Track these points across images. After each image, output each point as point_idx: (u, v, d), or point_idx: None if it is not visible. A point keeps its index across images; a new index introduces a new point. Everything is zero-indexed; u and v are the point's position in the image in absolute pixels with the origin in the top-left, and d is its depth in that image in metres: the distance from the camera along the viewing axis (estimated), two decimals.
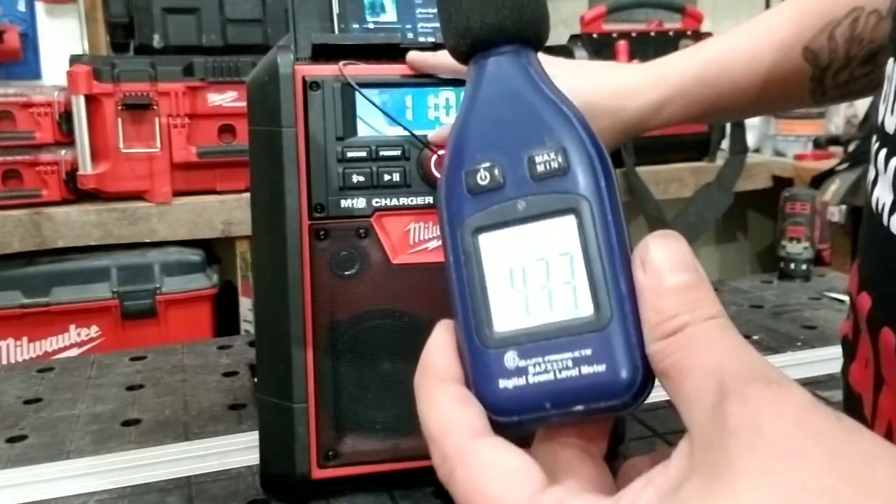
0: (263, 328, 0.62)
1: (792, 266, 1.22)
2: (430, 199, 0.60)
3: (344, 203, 0.59)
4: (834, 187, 1.86)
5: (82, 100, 1.61)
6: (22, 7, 1.91)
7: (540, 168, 0.29)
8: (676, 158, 2.09)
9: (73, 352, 1.67)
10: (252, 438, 0.68)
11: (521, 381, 0.28)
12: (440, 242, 0.32)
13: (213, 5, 1.79)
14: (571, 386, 0.27)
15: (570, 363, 0.28)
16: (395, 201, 0.60)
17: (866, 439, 0.22)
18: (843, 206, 1.83)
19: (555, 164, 0.29)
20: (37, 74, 1.96)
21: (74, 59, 1.69)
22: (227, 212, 1.72)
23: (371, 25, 0.64)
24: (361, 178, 0.59)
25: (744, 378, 0.23)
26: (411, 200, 0.60)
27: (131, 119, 1.66)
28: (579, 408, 0.27)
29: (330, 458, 0.61)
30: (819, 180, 1.93)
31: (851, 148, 2.04)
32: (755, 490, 0.21)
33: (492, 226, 0.30)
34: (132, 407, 0.81)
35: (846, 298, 1.10)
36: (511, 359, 0.28)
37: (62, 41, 1.94)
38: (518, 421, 0.28)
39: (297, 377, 0.59)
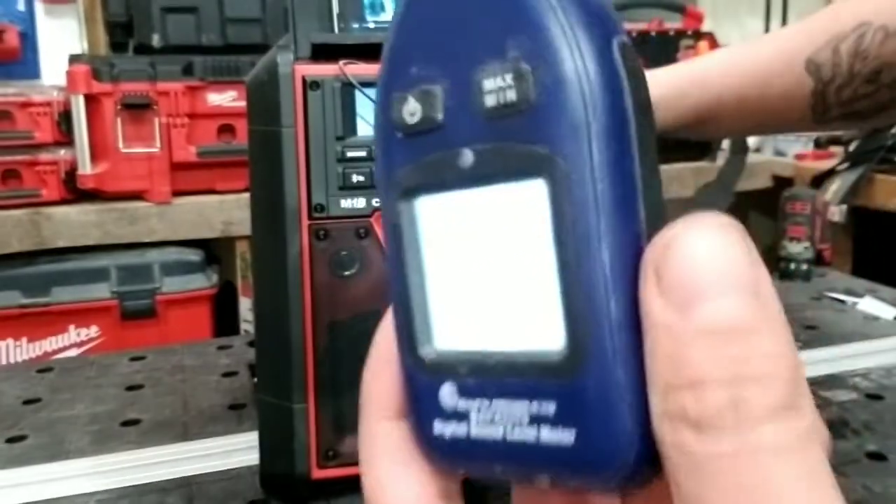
0: (263, 328, 0.62)
1: (792, 266, 1.22)
2: None
3: (344, 203, 0.59)
4: (835, 187, 1.86)
5: (81, 99, 1.61)
6: (21, 6, 1.91)
7: (491, 99, 0.18)
8: (677, 158, 2.09)
9: (73, 352, 1.67)
10: (252, 438, 0.68)
11: (460, 430, 0.19)
12: None
13: (213, 4, 1.79)
14: (528, 452, 0.18)
15: (524, 418, 0.18)
16: None
17: None
18: (844, 206, 1.83)
19: (513, 94, 0.18)
20: (36, 74, 1.96)
21: (73, 59, 1.69)
22: (227, 212, 1.71)
23: (371, 25, 0.64)
24: (361, 178, 0.59)
25: None
26: None
27: (130, 119, 1.66)
28: (544, 479, 0.18)
29: (330, 458, 0.61)
30: (820, 180, 1.93)
31: (852, 147, 2.04)
32: None
33: (429, 185, 0.20)
34: (132, 407, 0.81)
35: (846, 298, 1.10)
36: (448, 394, 0.20)
37: (61, 41, 1.94)
38: (465, 475, 0.21)
39: (297, 377, 0.59)
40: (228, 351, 0.97)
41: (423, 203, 0.20)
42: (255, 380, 0.65)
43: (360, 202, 0.59)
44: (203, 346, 1.00)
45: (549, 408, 0.18)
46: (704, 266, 0.15)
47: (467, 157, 0.19)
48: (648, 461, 0.17)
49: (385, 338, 0.21)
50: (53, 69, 1.88)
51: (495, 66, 0.18)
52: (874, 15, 0.59)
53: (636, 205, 0.17)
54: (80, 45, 1.95)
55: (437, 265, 0.20)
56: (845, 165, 1.94)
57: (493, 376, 0.19)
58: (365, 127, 0.60)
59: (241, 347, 0.98)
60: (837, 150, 2.15)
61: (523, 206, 0.18)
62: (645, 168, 0.18)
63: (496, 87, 0.18)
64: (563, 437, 0.18)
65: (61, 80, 1.67)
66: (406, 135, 0.20)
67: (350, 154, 0.59)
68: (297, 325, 0.59)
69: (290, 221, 0.59)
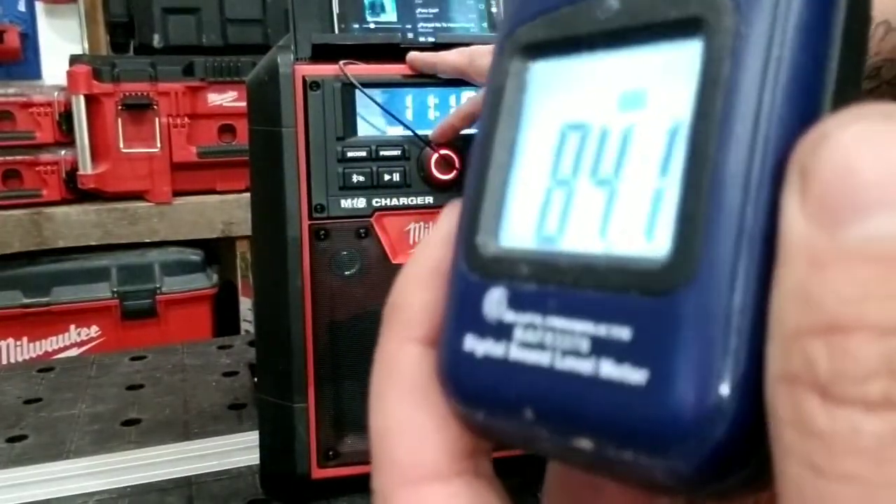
0: (264, 328, 0.62)
1: None
2: (430, 199, 0.60)
3: (344, 203, 0.59)
4: None
5: (82, 100, 1.61)
6: (22, 7, 1.91)
7: None
8: None
9: (74, 352, 1.67)
10: (252, 438, 0.68)
11: (496, 350, 0.14)
12: None
13: (213, 5, 1.79)
14: (576, 393, 0.13)
15: (584, 344, 0.13)
16: (395, 201, 0.60)
17: None
18: None
19: None
20: (37, 74, 1.96)
21: (74, 59, 1.69)
22: (227, 212, 1.72)
23: (371, 25, 0.64)
24: (361, 178, 0.59)
25: None
26: (411, 200, 0.60)
27: (131, 119, 1.66)
28: (584, 442, 0.13)
29: (330, 457, 0.61)
30: None
31: None
32: None
33: (554, 45, 0.15)
34: (132, 407, 0.81)
35: None
36: (496, 301, 0.15)
37: (62, 41, 1.94)
38: (484, 423, 0.15)
39: (298, 377, 0.59)
40: (229, 351, 0.97)
41: (540, 67, 0.16)
42: (256, 379, 0.65)
43: (360, 202, 0.60)
44: (203, 345, 1.00)
45: (623, 333, 0.12)
46: (868, 169, 0.10)
47: (611, 5, 0.14)
48: (743, 448, 0.11)
49: (437, 238, 0.16)
50: (54, 69, 1.88)
51: None
52: (876, 10, 0.59)
53: (820, 96, 0.12)
54: (80, 46, 1.95)
55: (532, 146, 0.16)
56: None
57: (559, 282, 0.14)
58: (364, 127, 0.60)
59: (242, 347, 0.98)
60: None
61: (668, 74, 0.14)
62: (846, 57, 0.13)
63: None
64: (632, 376, 0.12)
65: (62, 81, 1.67)
66: None
67: (350, 154, 0.59)
68: (297, 325, 0.59)
69: (290, 221, 0.59)
